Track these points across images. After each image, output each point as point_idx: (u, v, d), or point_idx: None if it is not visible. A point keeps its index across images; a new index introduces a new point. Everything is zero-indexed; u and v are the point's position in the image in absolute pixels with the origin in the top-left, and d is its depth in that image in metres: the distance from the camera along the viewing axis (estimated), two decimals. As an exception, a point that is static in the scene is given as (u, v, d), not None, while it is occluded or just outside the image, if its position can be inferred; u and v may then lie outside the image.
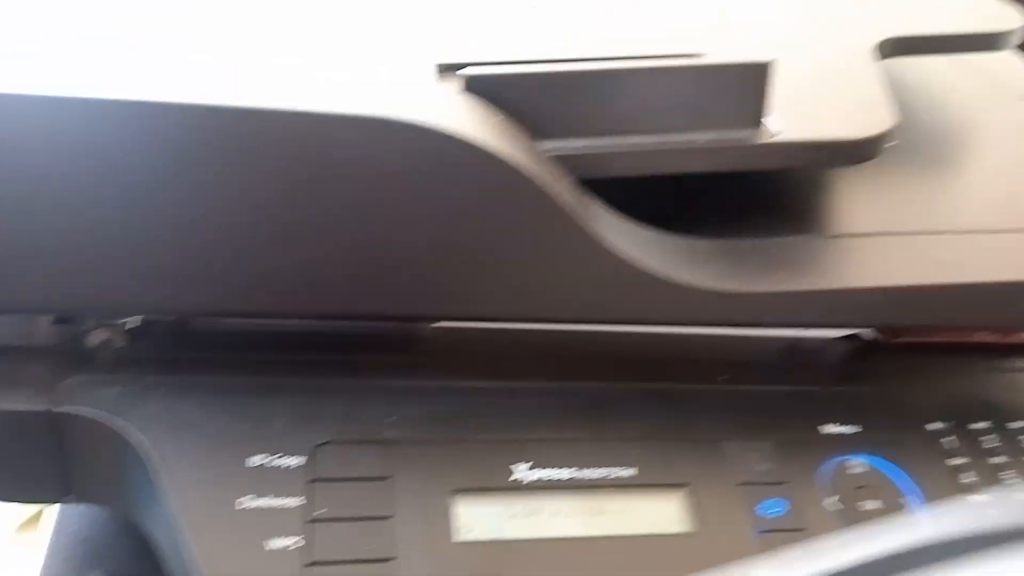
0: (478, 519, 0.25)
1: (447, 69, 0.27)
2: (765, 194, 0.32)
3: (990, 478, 0.30)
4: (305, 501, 0.25)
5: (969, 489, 0.29)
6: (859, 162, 0.29)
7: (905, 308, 0.29)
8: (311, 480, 0.25)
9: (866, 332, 0.33)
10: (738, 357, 0.32)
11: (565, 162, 0.26)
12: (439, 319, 0.28)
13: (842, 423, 0.30)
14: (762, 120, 0.28)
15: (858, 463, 0.29)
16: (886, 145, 0.28)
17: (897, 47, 0.35)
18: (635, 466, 0.27)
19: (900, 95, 0.41)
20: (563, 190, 0.25)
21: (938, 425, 0.31)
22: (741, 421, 0.30)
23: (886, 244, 0.30)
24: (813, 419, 0.30)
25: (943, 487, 0.29)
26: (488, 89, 0.25)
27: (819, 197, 0.33)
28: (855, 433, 0.30)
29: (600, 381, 0.30)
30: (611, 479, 0.27)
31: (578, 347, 0.30)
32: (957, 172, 0.35)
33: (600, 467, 0.27)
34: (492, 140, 0.24)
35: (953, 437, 0.31)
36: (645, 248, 0.27)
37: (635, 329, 0.29)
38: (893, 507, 0.29)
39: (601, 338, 0.29)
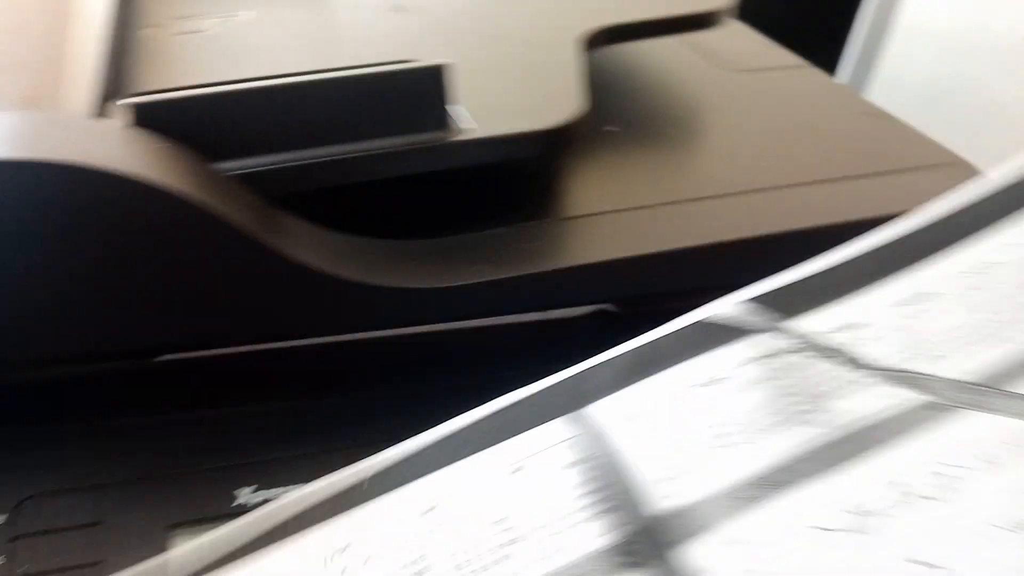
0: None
1: (113, 101, 0.26)
2: (501, 186, 0.33)
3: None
4: (4, 560, 0.24)
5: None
6: (549, 152, 0.30)
7: (636, 279, 0.30)
8: (12, 538, 0.24)
9: (609, 307, 0.34)
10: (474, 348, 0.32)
11: (252, 180, 0.26)
12: (144, 355, 0.28)
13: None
14: (449, 120, 0.28)
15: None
16: (573, 133, 0.30)
17: (609, 36, 0.36)
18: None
19: (628, 80, 0.43)
20: (241, 209, 0.25)
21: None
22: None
23: (615, 221, 0.31)
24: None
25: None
26: (155, 118, 0.25)
27: (552, 183, 0.34)
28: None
29: (320, 395, 0.30)
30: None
31: (295, 363, 0.30)
32: (683, 146, 0.37)
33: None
34: (150, 170, 0.24)
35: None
36: (342, 256, 0.27)
37: (354, 337, 0.29)
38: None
39: (318, 350, 0.30)
